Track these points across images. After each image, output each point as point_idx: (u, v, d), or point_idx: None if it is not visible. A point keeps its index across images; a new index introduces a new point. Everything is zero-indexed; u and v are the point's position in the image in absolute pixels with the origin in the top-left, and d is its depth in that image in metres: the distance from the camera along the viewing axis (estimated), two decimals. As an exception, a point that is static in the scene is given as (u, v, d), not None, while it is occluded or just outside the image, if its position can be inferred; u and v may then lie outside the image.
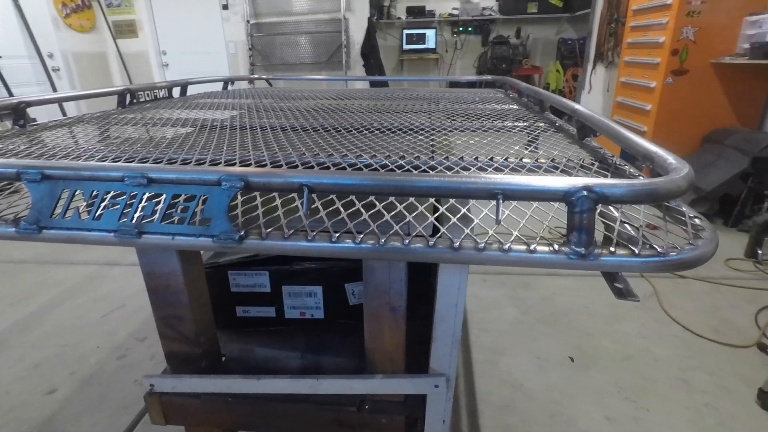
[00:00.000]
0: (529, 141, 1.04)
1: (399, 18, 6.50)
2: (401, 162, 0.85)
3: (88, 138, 1.11)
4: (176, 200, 0.59)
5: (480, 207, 0.66)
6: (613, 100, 4.30)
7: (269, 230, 0.54)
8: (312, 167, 0.85)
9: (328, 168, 0.86)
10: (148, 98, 1.69)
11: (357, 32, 5.78)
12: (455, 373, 1.01)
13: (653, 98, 3.53)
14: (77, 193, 0.56)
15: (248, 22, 5.57)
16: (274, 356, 1.23)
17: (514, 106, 1.55)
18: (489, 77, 2.41)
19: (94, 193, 0.56)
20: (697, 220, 0.59)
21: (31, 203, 0.56)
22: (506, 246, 0.50)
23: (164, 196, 0.55)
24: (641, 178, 0.68)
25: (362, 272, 0.98)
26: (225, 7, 5.62)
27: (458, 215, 0.68)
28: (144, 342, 2.07)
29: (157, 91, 1.73)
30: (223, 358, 1.22)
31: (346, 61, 5.79)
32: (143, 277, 1.01)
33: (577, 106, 1.00)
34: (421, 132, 1.14)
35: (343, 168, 0.87)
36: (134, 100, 1.60)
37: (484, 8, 6.58)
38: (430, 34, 6.62)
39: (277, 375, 1.04)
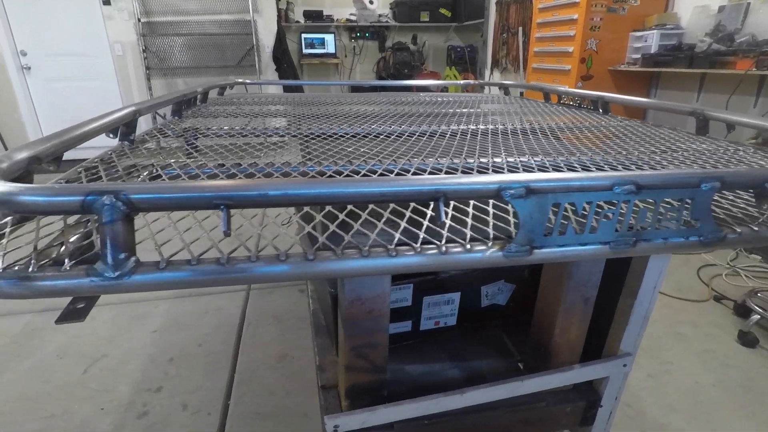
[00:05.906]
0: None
1: (297, 21, 6.37)
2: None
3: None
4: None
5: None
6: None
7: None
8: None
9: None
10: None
11: (266, 36, 5.52)
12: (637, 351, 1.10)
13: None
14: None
15: (139, 20, 4.93)
16: (428, 371, 1.19)
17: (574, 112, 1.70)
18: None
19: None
20: None
21: (520, 222, 0.51)
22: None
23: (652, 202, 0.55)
24: None
25: (548, 270, 1.02)
26: (106, 2, 4.90)
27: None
28: (161, 392, 1.77)
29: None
30: (379, 383, 1.14)
31: (259, 65, 5.49)
32: (343, 305, 0.91)
33: (696, 108, 1.17)
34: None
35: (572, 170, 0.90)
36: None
37: (380, 15, 6.79)
38: (329, 38, 6.62)
39: (479, 385, 1.02)
